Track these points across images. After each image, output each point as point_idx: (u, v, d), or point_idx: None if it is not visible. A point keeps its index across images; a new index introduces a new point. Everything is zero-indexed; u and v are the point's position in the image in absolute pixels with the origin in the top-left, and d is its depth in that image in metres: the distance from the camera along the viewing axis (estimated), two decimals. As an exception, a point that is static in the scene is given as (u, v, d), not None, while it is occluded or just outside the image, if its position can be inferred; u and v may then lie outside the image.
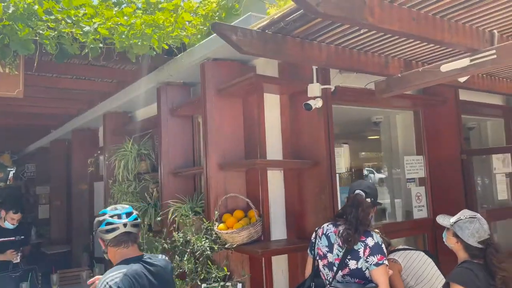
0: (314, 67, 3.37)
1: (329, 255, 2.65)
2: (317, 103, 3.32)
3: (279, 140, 3.72)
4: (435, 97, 4.43)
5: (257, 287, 3.43)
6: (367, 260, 2.50)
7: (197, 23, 3.85)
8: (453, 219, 2.65)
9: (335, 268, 2.59)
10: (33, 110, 6.61)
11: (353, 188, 2.74)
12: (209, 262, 3.27)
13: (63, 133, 7.89)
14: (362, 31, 2.93)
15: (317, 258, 2.73)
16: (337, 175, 3.53)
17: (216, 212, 3.40)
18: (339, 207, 3.37)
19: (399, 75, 3.35)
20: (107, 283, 1.93)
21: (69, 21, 3.34)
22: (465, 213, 2.65)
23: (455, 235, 2.60)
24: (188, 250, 3.32)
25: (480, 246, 2.51)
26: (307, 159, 3.49)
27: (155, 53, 3.57)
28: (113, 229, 2.10)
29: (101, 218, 2.15)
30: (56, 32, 3.23)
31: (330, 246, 2.65)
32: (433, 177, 4.50)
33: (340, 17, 2.32)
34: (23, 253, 5.21)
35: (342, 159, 4.08)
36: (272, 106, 3.70)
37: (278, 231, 3.60)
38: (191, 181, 4.33)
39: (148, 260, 2.15)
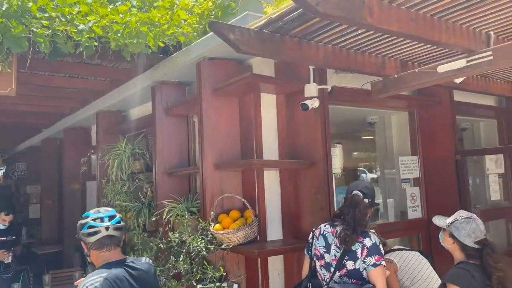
0: (311, 67, 3.36)
1: (326, 255, 2.64)
2: (314, 103, 3.31)
3: (275, 140, 3.71)
4: (430, 98, 4.45)
5: (253, 287, 3.41)
6: (365, 260, 2.50)
7: (193, 21, 3.82)
8: (449, 219, 2.66)
9: (332, 269, 2.59)
10: (25, 109, 6.52)
11: (350, 189, 2.74)
12: (205, 263, 3.25)
13: (54, 132, 7.81)
14: (359, 31, 2.93)
15: (314, 258, 2.73)
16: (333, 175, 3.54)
17: (212, 213, 3.38)
18: (335, 208, 3.37)
19: (395, 75, 3.35)
20: (87, 287, 1.92)
21: (63, 19, 3.29)
22: (461, 214, 2.66)
23: (452, 236, 2.60)
24: (184, 250, 3.29)
25: (476, 246, 2.52)
26: (303, 159, 3.48)
27: (150, 51, 3.54)
28: (95, 232, 2.10)
29: (83, 221, 2.14)
30: (50, 31, 3.18)
31: (328, 247, 2.65)
32: (428, 178, 4.52)
33: (340, 17, 2.31)
34: (14, 253, 5.16)
35: (337, 159, 4.08)
36: (268, 106, 3.68)
37: (274, 232, 3.59)
38: (186, 181, 4.31)
39: (131, 264, 2.14)
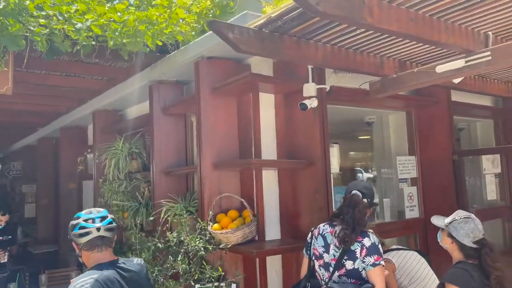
0: (310, 67, 3.36)
1: (325, 255, 2.64)
2: (312, 103, 3.31)
3: (273, 139, 3.70)
4: (428, 98, 4.46)
5: (251, 287, 3.41)
6: (364, 260, 2.50)
7: (191, 20, 3.81)
8: (448, 219, 2.67)
9: (331, 269, 2.59)
10: (21, 107, 6.47)
11: (349, 189, 2.73)
12: (203, 262, 3.24)
13: (51, 131, 7.77)
14: (358, 31, 2.93)
15: (313, 258, 2.72)
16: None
17: (210, 212, 3.37)
18: (333, 207, 3.37)
19: (394, 75, 3.35)
20: None
21: (60, 17, 3.27)
22: (459, 214, 2.66)
23: (450, 236, 2.61)
24: (182, 250, 3.28)
25: (475, 246, 2.53)
26: (301, 159, 3.48)
27: (148, 49, 3.52)
28: (86, 233, 2.09)
29: (74, 222, 2.13)
30: (48, 30, 3.15)
31: (326, 247, 2.64)
32: (425, 178, 4.53)
33: (340, 17, 2.31)
34: (10, 253, 5.13)
35: (334, 159, 4.08)
36: (267, 105, 3.68)
37: (272, 231, 3.59)
38: (184, 181, 4.29)
39: (122, 265, 2.14)
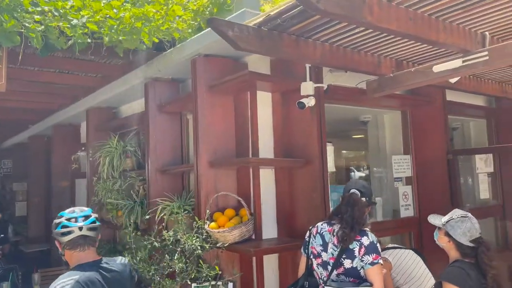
0: (307, 65, 3.35)
1: (323, 254, 2.64)
2: (310, 102, 3.31)
3: (270, 138, 3.69)
4: (423, 97, 4.48)
5: (248, 286, 3.40)
6: (362, 259, 2.50)
7: (188, 18, 3.78)
8: (444, 218, 2.68)
9: (329, 267, 2.59)
10: (13, 105, 6.39)
11: (348, 187, 2.74)
12: (200, 261, 3.23)
13: (43, 128, 7.68)
14: (357, 30, 2.93)
15: (311, 257, 2.72)
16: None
17: (207, 211, 3.35)
18: (330, 206, 3.38)
19: (391, 75, 3.37)
20: None
21: (56, 13, 3.22)
22: (456, 213, 2.68)
23: (447, 234, 2.63)
24: (179, 249, 3.26)
25: (471, 245, 2.55)
26: (299, 158, 3.47)
27: (145, 47, 3.49)
28: (68, 232, 2.09)
29: (57, 221, 2.13)
30: (43, 27, 3.11)
31: (325, 245, 2.65)
32: (420, 177, 4.55)
33: (340, 15, 2.31)
34: (3, 251, 5.06)
35: (330, 158, 4.08)
36: (264, 104, 3.66)
37: (269, 230, 3.58)
38: (179, 179, 4.27)
39: (105, 265, 2.13)
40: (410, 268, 3.15)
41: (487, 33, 3.00)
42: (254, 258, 3.34)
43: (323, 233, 2.68)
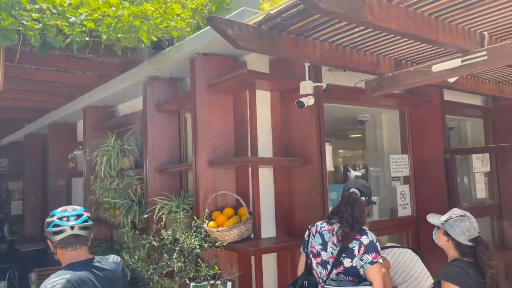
0: (307, 64, 3.35)
1: (323, 253, 2.64)
2: (309, 101, 3.31)
3: (269, 137, 3.69)
4: (421, 97, 4.49)
5: (246, 285, 3.40)
6: (362, 258, 2.51)
7: (186, 16, 3.77)
8: (443, 217, 2.69)
9: (329, 266, 2.59)
10: (9, 103, 6.35)
11: (347, 187, 2.74)
12: (199, 260, 3.22)
13: (39, 127, 7.64)
14: (356, 29, 2.93)
15: (311, 256, 2.72)
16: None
17: (206, 210, 3.35)
18: (329, 205, 3.38)
19: (390, 74, 3.37)
20: None
21: (54, 11, 3.21)
22: (455, 212, 2.69)
23: (446, 234, 2.63)
24: (177, 248, 3.25)
25: (470, 244, 2.56)
26: (297, 157, 3.48)
27: (143, 45, 3.47)
28: (60, 231, 2.08)
29: (49, 220, 2.12)
30: (41, 25, 3.09)
31: (324, 244, 2.65)
32: (418, 176, 4.56)
33: (341, 14, 2.30)
34: (0, 251, 5.03)
35: (329, 157, 4.09)
36: (263, 103, 3.66)
37: (268, 229, 3.58)
38: (178, 178, 4.26)
39: (97, 264, 2.13)
40: (408, 267, 3.16)
41: (485, 33, 3.00)
42: (253, 257, 3.34)
43: (323, 232, 2.68)
